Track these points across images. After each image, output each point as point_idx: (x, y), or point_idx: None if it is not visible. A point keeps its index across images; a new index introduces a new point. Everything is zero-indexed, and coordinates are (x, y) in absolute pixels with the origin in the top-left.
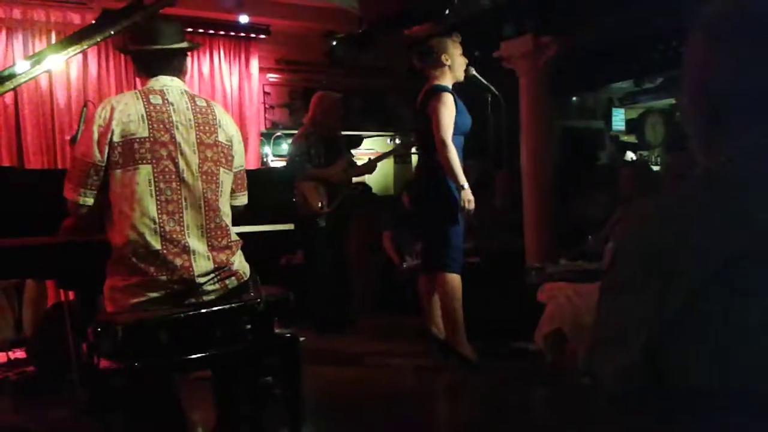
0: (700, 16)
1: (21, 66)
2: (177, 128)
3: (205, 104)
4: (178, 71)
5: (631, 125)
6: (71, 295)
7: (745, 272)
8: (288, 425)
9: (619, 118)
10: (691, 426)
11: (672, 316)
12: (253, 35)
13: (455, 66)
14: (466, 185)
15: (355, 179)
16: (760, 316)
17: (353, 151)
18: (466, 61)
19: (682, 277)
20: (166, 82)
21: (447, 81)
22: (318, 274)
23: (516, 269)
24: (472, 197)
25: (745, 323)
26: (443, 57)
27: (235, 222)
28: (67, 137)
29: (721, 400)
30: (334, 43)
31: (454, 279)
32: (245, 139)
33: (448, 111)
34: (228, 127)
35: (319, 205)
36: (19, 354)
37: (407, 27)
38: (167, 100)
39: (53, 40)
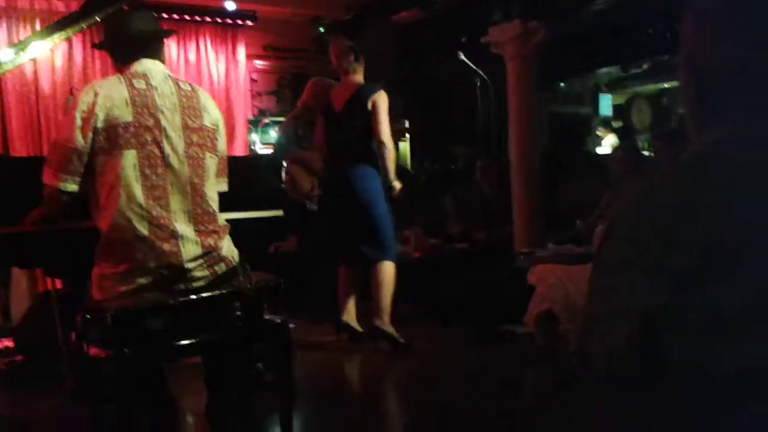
0: None
1: (5, 54)
2: (162, 112)
3: (189, 88)
4: (158, 55)
5: (618, 110)
6: (59, 283)
7: (732, 259)
8: (278, 411)
9: (606, 104)
10: (681, 408)
11: (662, 299)
12: (239, 22)
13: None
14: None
15: None
16: (747, 302)
17: None
18: None
19: (671, 260)
20: (148, 65)
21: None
22: (311, 260)
23: (504, 254)
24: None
25: (733, 309)
26: (361, 58)
27: (223, 208)
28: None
29: (711, 384)
30: (321, 29)
31: (392, 267)
32: (232, 127)
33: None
34: (213, 111)
35: (309, 187)
36: (8, 343)
37: (394, 13)
38: (151, 84)
39: (38, 27)
